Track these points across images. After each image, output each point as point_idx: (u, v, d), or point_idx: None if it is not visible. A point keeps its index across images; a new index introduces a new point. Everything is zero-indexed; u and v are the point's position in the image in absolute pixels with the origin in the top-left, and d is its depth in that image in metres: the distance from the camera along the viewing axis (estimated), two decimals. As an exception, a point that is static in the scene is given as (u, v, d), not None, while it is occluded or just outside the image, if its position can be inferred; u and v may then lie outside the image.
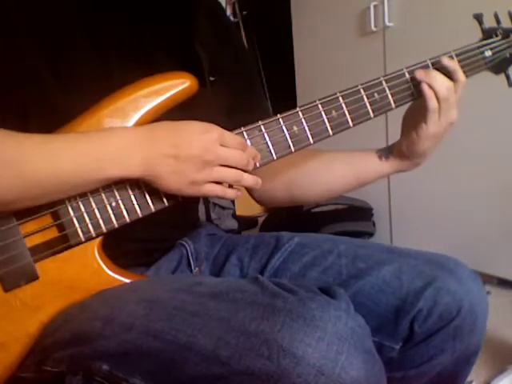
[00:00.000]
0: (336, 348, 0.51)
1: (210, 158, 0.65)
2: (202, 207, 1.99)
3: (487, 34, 0.84)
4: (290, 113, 0.73)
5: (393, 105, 0.78)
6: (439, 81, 0.75)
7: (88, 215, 0.65)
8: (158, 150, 0.63)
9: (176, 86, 0.69)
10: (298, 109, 0.73)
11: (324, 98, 0.74)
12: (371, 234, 2.26)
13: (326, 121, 0.74)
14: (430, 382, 0.77)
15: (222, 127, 0.67)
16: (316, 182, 0.89)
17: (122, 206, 0.66)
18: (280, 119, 0.72)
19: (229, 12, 2.65)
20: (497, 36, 0.84)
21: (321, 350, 0.50)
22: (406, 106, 0.81)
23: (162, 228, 0.80)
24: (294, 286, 0.57)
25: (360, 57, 2.14)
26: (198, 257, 0.86)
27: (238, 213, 2.42)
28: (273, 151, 0.72)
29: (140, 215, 0.67)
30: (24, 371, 0.64)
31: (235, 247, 0.87)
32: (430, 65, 0.79)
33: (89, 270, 0.67)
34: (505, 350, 1.48)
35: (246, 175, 0.69)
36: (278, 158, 0.72)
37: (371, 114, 0.77)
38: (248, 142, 0.70)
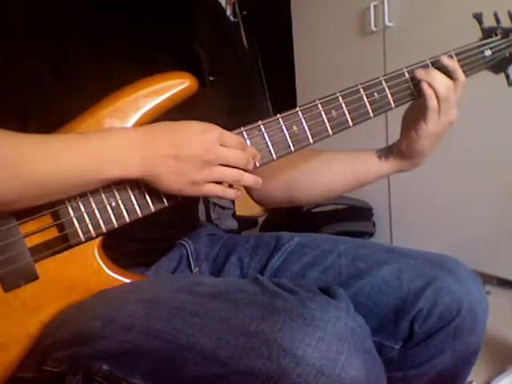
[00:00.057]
0: (336, 348, 0.51)
1: (209, 158, 0.65)
2: (201, 207, 1.99)
3: (487, 33, 0.84)
4: (289, 112, 0.72)
5: (392, 104, 0.78)
6: (439, 80, 0.75)
7: (88, 215, 0.65)
8: (158, 150, 0.63)
9: (176, 85, 0.69)
10: (297, 108, 0.73)
11: (324, 98, 0.74)
12: (371, 234, 2.26)
13: (325, 120, 0.74)
14: (430, 382, 0.77)
15: (222, 127, 0.67)
16: (316, 181, 0.89)
17: (122, 206, 0.66)
18: (280, 119, 0.72)
19: (229, 12, 2.65)
20: (496, 35, 0.84)
21: (321, 350, 0.50)
22: (406, 106, 0.81)
23: (162, 228, 0.80)
24: (294, 286, 0.57)
25: (360, 57, 2.14)
26: (198, 257, 0.86)
27: (238, 213, 2.42)
28: (272, 151, 0.72)
29: (140, 215, 0.67)
30: (24, 371, 0.64)
31: (235, 247, 0.87)
32: (430, 64, 0.79)
33: (89, 270, 0.67)
34: (505, 350, 1.48)
35: (246, 175, 0.69)
36: (277, 158, 0.72)
37: (371, 114, 0.77)
38: (248, 141, 0.70)
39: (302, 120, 0.73)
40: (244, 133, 0.70)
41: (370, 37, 2.12)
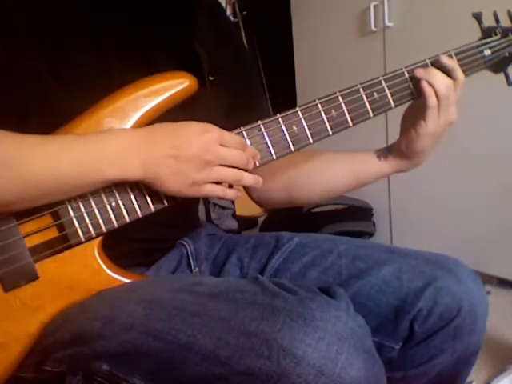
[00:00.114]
0: (336, 348, 0.51)
1: (209, 158, 0.65)
2: (201, 207, 1.99)
3: (486, 32, 0.84)
4: (289, 112, 0.72)
5: (392, 104, 0.78)
6: (439, 78, 0.76)
7: (88, 215, 0.65)
8: (158, 151, 0.63)
9: (175, 85, 0.69)
10: (297, 108, 0.73)
11: (323, 98, 0.74)
12: (371, 234, 2.26)
13: (325, 120, 0.74)
14: (430, 382, 0.77)
15: (221, 127, 0.67)
16: (316, 182, 0.89)
17: (122, 206, 0.66)
18: (279, 119, 0.72)
19: (229, 12, 2.65)
20: (496, 35, 0.84)
21: (321, 349, 0.50)
22: (406, 106, 0.81)
23: (161, 228, 0.80)
24: (294, 286, 0.57)
25: (360, 57, 2.14)
26: (198, 257, 0.86)
27: (237, 213, 2.42)
28: (272, 151, 0.72)
29: (140, 215, 0.67)
30: (24, 371, 0.64)
31: (235, 247, 0.87)
32: (430, 64, 0.79)
33: (89, 270, 0.67)
34: (505, 350, 1.48)
35: (246, 174, 0.69)
36: (277, 158, 0.72)
37: (371, 114, 0.77)
38: (248, 141, 0.70)
39: (302, 120, 0.73)
40: (244, 133, 0.70)
41: (369, 37, 2.12)
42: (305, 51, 2.44)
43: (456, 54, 0.80)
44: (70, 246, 0.66)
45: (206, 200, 2.07)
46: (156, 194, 0.67)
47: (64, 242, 0.65)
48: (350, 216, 2.22)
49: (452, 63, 0.77)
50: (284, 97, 2.25)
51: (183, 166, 0.64)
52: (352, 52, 2.19)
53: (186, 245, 0.86)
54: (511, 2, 0.88)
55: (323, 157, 0.89)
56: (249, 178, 0.69)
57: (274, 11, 2.54)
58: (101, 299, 0.65)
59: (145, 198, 0.67)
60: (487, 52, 0.82)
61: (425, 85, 0.75)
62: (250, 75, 0.94)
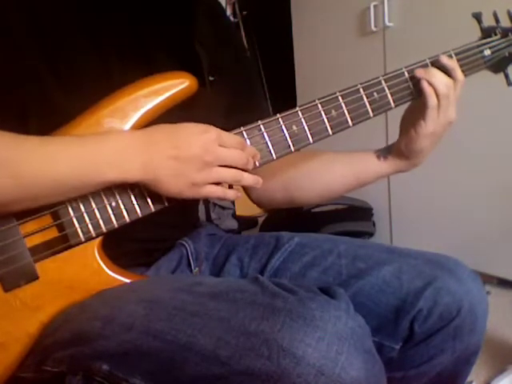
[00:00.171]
0: (336, 348, 0.51)
1: (209, 159, 0.65)
2: (202, 207, 2.00)
3: (486, 32, 0.84)
4: (289, 112, 0.73)
5: (392, 104, 0.78)
6: (438, 78, 0.76)
7: (88, 215, 0.65)
8: (158, 152, 0.63)
9: (175, 85, 0.69)
10: (297, 108, 0.73)
11: (323, 98, 0.74)
12: (371, 234, 2.26)
13: (325, 120, 0.74)
14: (430, 382, 0.77)
15: (221, 127, 0.67)
16: (316, 182, 0.89)
17: (122, 206, 0.66)
18: (279, 119, 0.72)
19: (229, 12, 2.65)
20: (496, 35, 0.84)
21: (321, 349, 0.50)
22: (406, 106, 0.81)
23: (162, 228, 0.80)
24: (294, 286, 0.57)
25: (360, 57, 2.14)
26: (198, 257, 0.86)
27: (238, 213, 2.42)
28: (272, 151, 0.72)
29: (140, 215, 0.67)
30: (24, 371, 0.64)
31: (235, 247, 0.87)
32: (429, 64, 0.79)
33: (89, 270, 0.67)
34: (505, 349, 1.48)
35: (246, 174, 0.69)
36: (277, 158, 0.72)
37: (371, 114, 0.77)
38: (247, 141, 0.70)
39: (302, 120, 0.73)
40: (244, 132, 0.70)
41: (369, 37, 2.12)
42: (305, 51, 2.44)
43: (456, 54, 0.80)
44: (70, 246, 0.66)
45: (206, 200, 2.07)
46: (156, 194, 0.67)
47: (64, 241, 0.65)
48: (349, 216, 2.22)
49: (452, 63, 0.77)
50: (284, 97, 2.25)
51: (183, 166, 0.64)
52: (352, 52, 2.19)
53: (186, 245, 0.86)
54: (511, 2, 0.88)
55: (323, 157, 0.89)
56: (248, 178, 0.69)
57: (273, 11, 2.55)
58: (101, 299, 0.65)
59: (145, 198, 0.67)
60: (487, 52, 0.82)
61: (425, 84, 0.75)
62: (249, 75, 0.94)
